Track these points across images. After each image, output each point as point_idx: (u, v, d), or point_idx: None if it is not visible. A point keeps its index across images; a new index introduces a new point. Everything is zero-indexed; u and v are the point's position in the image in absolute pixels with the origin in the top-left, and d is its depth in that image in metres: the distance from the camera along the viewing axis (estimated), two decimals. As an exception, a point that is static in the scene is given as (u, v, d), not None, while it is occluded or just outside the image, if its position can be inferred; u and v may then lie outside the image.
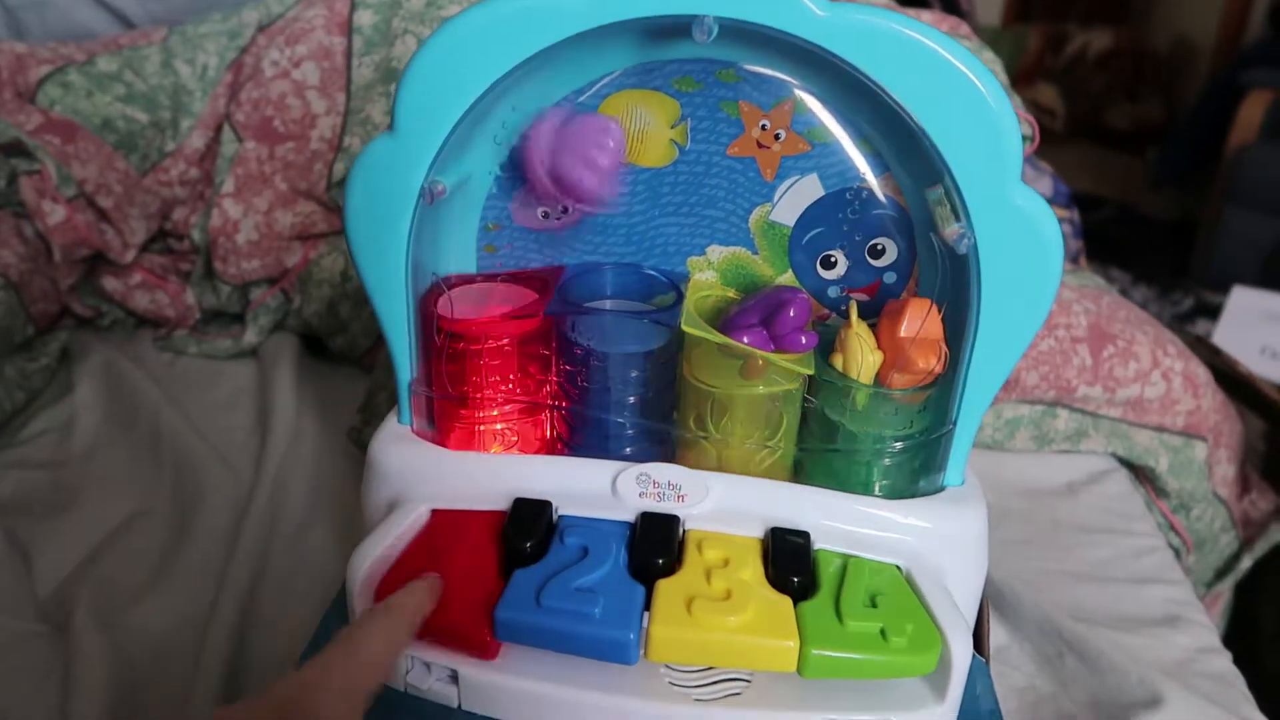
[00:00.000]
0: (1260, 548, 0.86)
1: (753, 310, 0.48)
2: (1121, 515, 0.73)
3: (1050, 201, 1.28)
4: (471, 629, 0.43)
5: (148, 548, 0.66)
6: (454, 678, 0.44)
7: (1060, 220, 1.29)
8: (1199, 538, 0.81)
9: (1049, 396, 0.77)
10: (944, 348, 0.47)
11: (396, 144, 0.48)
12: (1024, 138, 0.92)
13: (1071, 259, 1.27)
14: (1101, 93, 3.15)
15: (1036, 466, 0.77)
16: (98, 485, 0.72)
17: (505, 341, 0.52)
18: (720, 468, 0.51)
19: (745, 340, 0.47)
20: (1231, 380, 0.96)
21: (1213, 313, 1.17)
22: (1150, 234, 2.46)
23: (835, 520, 0.48)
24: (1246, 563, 0.86)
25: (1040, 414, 0.78)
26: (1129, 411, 0.78)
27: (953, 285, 0.47)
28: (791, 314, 0.47)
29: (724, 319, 0.49)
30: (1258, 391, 0.96)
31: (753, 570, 0.45)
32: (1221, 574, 0.87)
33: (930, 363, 0.46)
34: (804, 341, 0.47)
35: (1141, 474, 0.80)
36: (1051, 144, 2.94)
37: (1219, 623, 0.91)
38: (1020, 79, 3.15)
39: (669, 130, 0.50)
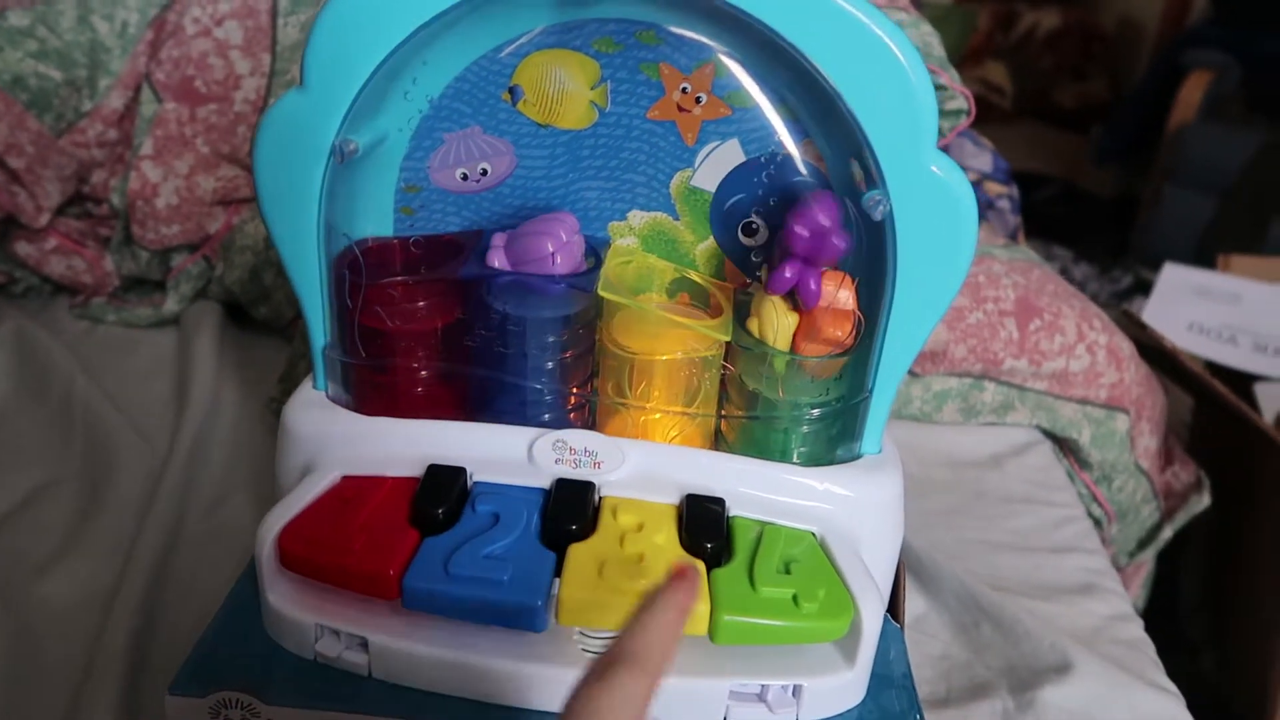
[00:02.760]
0: (1180, 519, 0.88)
1: (779, 241, 0.46)
2: (1044, 486, 0.74)
3: (989, 177, 1.29)
4: (374, 568, 0.42)
5: (55, 519, 0.64)
6: (364, 646, 0.44)
7: (999, 196, 1.31)
8: (1121, 509, 0.83)
9: (976, 369, 0.78)
10: (859, 316, 0.46)
11: (306, 100, 0.46)
12: (961, 112, 0.93)
13: (1010, 235, 1.29)
14: (1049, 71, 3.18)
15: (963, 439, 0.78)
16: (5, 455, 0.70)
17: (420, 306, 0.51)
18: (639, 435, 0.50)
19: (787, 275, 0.45)
20: (1157, 354, 0.98)
21: (1151, 290, 1.19)
22: (1093, 212, 2.49)
23: (752, 487, 0.48)
24: (1168, 533, 0.88)
25: (968, 387, 0.79)
26: (1054, 384, 0.79)
27: (869, 253, 0.47)
28: (799, 230, 0.44)
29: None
30: (1182, 366, 0.97)
31: (667, 536, 0.45)
32: (1144, 544, 0.88)
33: (840, 333, 0.46)
34: (838, 244, 0.44)
35: (1065, 446, 0.81)
36: (1000, 122, 2.97)
37: (1141, 593, 0.93)
38: (970, 57, 3.17)
39: (589, 92, 0.49)
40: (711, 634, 0.42)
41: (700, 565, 0.44)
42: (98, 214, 0.90)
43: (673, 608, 0.31)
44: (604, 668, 0.29)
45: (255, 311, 0.87)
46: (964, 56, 3.14)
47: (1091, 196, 2.60)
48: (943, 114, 0.91)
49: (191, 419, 0.72)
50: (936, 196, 0.44)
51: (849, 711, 0.44)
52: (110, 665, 0.52)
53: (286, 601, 0.45)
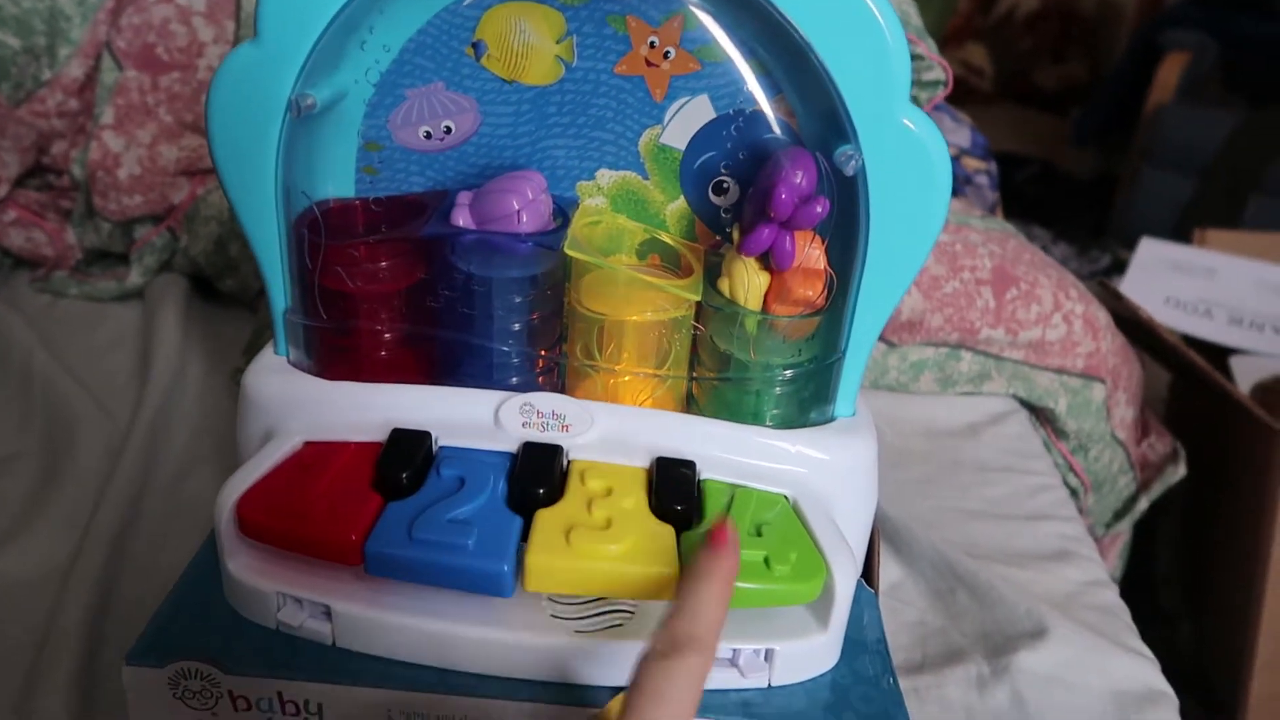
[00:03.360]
0: (1156, 490, 0.88)
1: (752, 200, 0.45)
2: (1020, 455, 0.74)
3: (967, 152, 1.28)
4: (337, 533, 0.41)
5: (12, 494, 0.63)
6: (327, 614, 0.43)
7: (977, 171, 1.30)
8: (1097, 479, 0.83)
9: (953, 339, 0.77)
10: (831, 274, 0.45)
11: (260, 52, 0.44)
12: (939, 83, 0.92)
13: (988, 211, 1.28)
14: (1029, 53, 3.19)
15: (939, 408, 0.78)
16: (-38, 430, 0.68)
17: (383, 267, 0.49)
18: (609, 398, 0.49)
19: (764, 236, 0.44)
20: (1134, 327, 0.98)
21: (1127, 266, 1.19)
22: (1071, 192, 2.50)
23: (724, 450, 0.47)
24: (1144, 504, 0.88)
25: (944, 356, 0.78)
26: (1030, 354, 0.78)
27: (842, 210, 0.46)
28: (783, 196, 0.43)
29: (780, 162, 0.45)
30: (1158, 338, 0.97)
31: (636, 500, 0.44)
32: (1120, 515, 0.88)
33: (811, 292, 0.45)
34: (819, 210, 0.43)
35: (1042, 415, 0.80)
36: (980, 103, 2.97)
37: (1118, 563, 0.93)
38: (950, 39, 3.17)
39: (554, 45, 0.48)
40: None
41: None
42: (59, 185, 0.88)
43: (719, 578, 0.32)
44: (667, 651, 0.30)
45: (221, 284, 0.85)
46: (944, 38, 3.13)
47: (1070, 177, 2.60)
48: (920, 85, 0.90)
49: (154, 392, 0.71)
50: (909, 151, 0.43)
51: (822, 676, 0.43)
52: (65, 641, 0.51)
53: (247, 570, 0.44)
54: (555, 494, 0.44)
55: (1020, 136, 2.83)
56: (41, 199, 0.88)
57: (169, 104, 0.84)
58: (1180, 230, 1.88)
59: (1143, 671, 0.54)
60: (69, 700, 0.48)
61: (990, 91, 3.15)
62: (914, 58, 0.89)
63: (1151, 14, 2.68)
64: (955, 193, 1.23)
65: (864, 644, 0.45)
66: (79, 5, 0.87)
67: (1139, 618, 0.62)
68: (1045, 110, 3.12)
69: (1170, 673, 0.56)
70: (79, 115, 0.87)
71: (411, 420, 0.48)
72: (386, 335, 0.50)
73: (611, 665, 0.42)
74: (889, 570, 0.60)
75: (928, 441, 0.74)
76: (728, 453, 0.47)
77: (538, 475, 0.45)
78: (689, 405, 0.51)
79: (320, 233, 0.48)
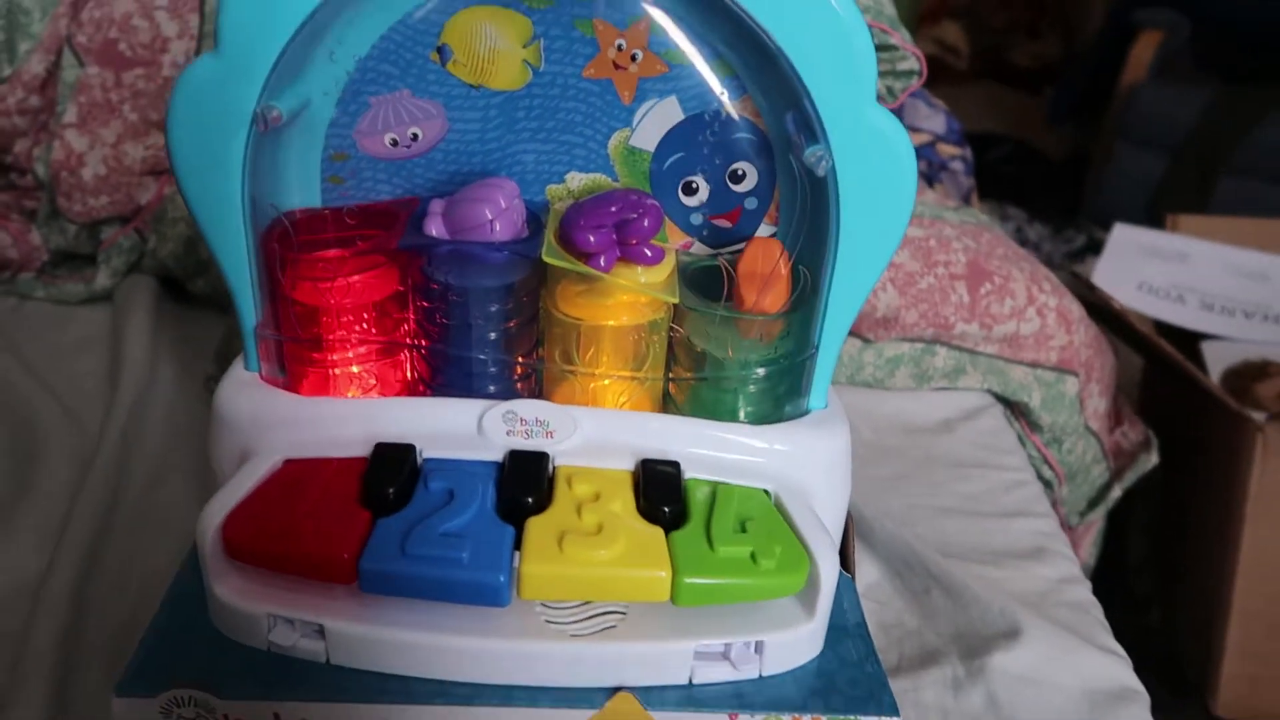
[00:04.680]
0: (1129, 478, 0.89)
1: (602, 210, 0.46)
2: (994, 450, 0.74)
3: (942, 139, 1.28)
4: (328, 552, 0.41)
5: (-21, 506, 0.62)
6: (320, 632, 0.42)
7: (952, 158, 1.30)
8: (1071, 470, 0.83)
9: (928, 334, 0.77)
10: (805, 272, 0.46)
11: (222, 64, 0.43)
12: (913, 73, 0.91)
13: (963, 197, 1.28)
14: (1003, 30, 3.19)
15: (915, 404, 0.78)
16: (-76, 439, 0.67)
17: (356, 279, 0.49)
18: (588, 401, 0.49)
19: (591, 239, 0.45)
20: (1107, 314, 0.98)
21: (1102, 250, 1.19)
22: (1046, 172, 2.51)
23: (704, 448, 0.47)
24: (1117, 492, 0.89)
25: (920, 352, 0.78)
26: (1005, 348, 0.79)
27: (812, 209, 0.46)
28: (646, 224, 0.45)
29: (566, 212, 0.47)
30: (1130, 326, 0.98)
31: (624, 503, 0.45)
32: (1094, 504, 0.89)
33: (760, 300, 0.46)
34: (649, 255, 0.45)
35: (1016, 409, 0.81)
36: (956, 83, 2.97)
37: (1092, 551, 0.94)
38: (926, 17, 3.16)
39: (521, 50, 0.47)
40: (674, 597, 0.42)
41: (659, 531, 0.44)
42: (22, 185, 0.87)
43: None
44: None
45: (191, 285, 0.84)
46: (920, 17, 3.13)
47: (1044, 156, 2.61)
48: (894, 75, 0.90)
49: (125, 398, 0.70)
50: (877, 148, 0.43)
51: (809, 663, 0.44)
52: (38, 661, 0.50)
53: (235, 593, 0.43)
54: (544, 501, 0.45)
55: (995, 115, 2.84)
56: (5, 199, 0.86)
57: (133, 101, 0.83)
58: (1154, 209, 1.89)
59: (1115, 670, 0.55)
60: (42, 720, 0.48)
61: (966, 70, 3.15)
62: (888, 48, 0.89)
63: (1126, -8, 2.68)
64: (930, 181, 1.23)
65: (845, 628, 0.46)
66: (38, -1, 0.85)
67: (1111, 604, 0.63)
68: (1021, 88, 3.12)
69: (1142, 658, 0.57)
70: (41, 113, 0.85)
71: (394, 434, 0.47)
72: (361, 348, 0.50)
73: (607, 667, 0.42)
74: (864, 570, 0.60)
75: (903, 437, 0.74)
76: (709, 450, 0.47)
77: (526, 484, 0.45)
78: (666, 405, 0.51)
79: (291, 245, 0.47)
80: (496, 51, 0.47)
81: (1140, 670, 0.56)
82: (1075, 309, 0.82)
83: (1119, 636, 0.59)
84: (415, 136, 0.50)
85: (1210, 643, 0.91)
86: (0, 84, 0.84)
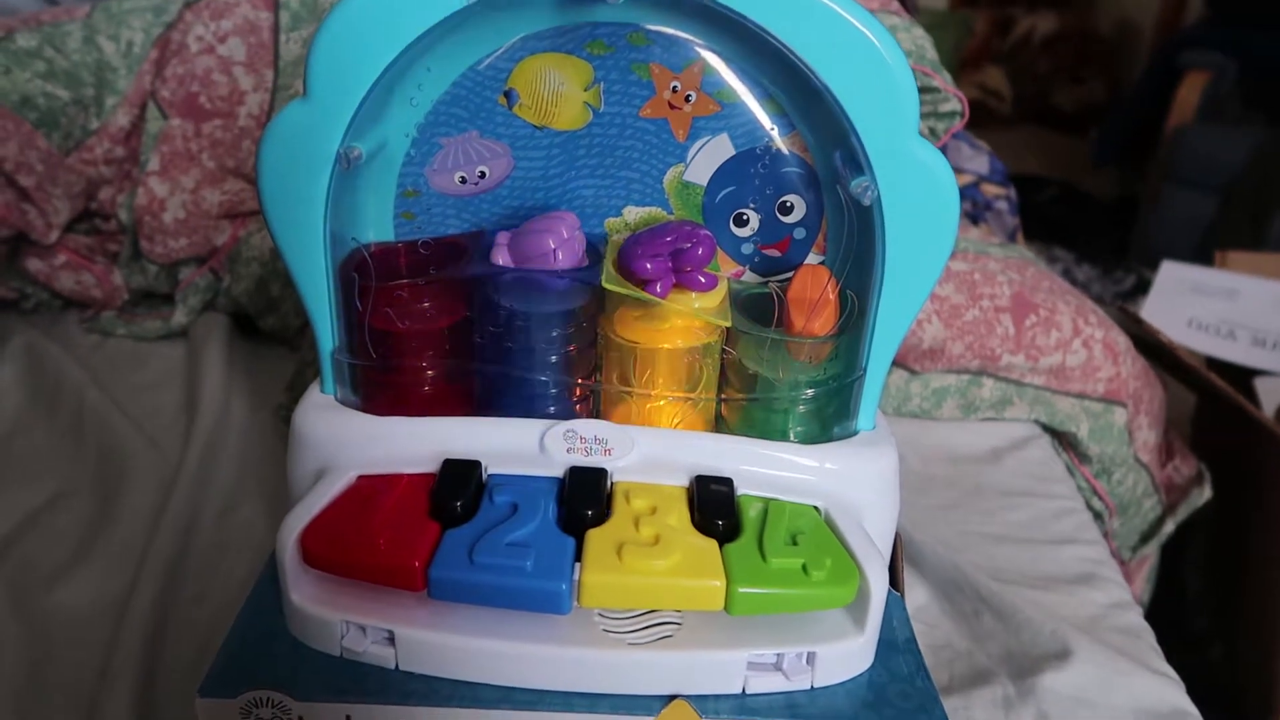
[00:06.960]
0: (1182, 512, 0.88)
1: (658, 240, 0.48)
2: (1043, 480, 0.75)
3: (986, 179, 1.30)
4: (400, 561, 0.43)
5: (69, 529, 0.65)
6: (390, 639, 0.45)
7: (996, 198, 1.32)
8: (1122, 502, 0.83)
9: (974, 366, 0.78)
10: (853, 297, 0.47)
11: (310, 109, 0.47)
12: (955, 114, 0.94)
13: (1008, 236, 1.29)
14: (1047, 75, 3.20)
15: (962, 434, 0.79)
16: (19, 467, 0.71)
17: (428, 306, 0.52)
18: (644, 421, 0.51)
19: (649, 267, 0.47)
20: (1157, 350, 0.98)
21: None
22: (1093, 214, 2.50)
23: (756, 466, 0.49)
24: (1170, 527, 0.88)
25: (966, 383, 0.79)
26: (1051, 379, 0.79)
27: (859, 238, 0.48)
28: (699, 252, 0.47)
29: (625, 242, 0.50)
30: (1180, 361, 0.98)
31: (679, 517, 0.46)
32: (1146, 538, 0.89)
33: (809, 324, 0.48)
34: (703, 281, 0.48)
35: (1064, 440, 0.81)
36: (999, 127, 2.98)
37: (1145, 586, 0.94)
38: (968, 62, 3.19)
39: (583, 93, 0.50)
40: (727, 606, 0.43)
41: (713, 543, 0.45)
42: (106, 229, 0.92)
43: None
44: None
45: (262, 322, 0.88)
46: (962, 62, 3.15)
47: (1091, 198, 2.60)
48: (937, 116, 0.92)
49: (201, 428, 0.74)
50: (921, 179, 0.45)
51: (859, 676, 0.45)
52: (124, 671, 0.53)
53: (311, 600, 0.46)
54: (603, 514, 0.47)
55: (1040, 158, 2.84)
56: (90, 243, 0.91)
57: (211, 150, 0.88)
58: (1204, 249, 1.88)
59: (1168, 691, 0.55)
60: (130, 726, 0.50)
61: (1009, 114, 3.16)
62: (930, 90, 0.91)
63: (1170, 34, 2.69)
64: (975, 220, 1.24)
65: (895, 644, 0.47)
66: (124, 57, 0.91)
67: (1169, 641, 0.62)
68: (1064, 131, 3.12)
69: (1202, 695, 0.57)
70: (125, 162, 0.91)
71: (461, 450, 0.50)
72: (431, 371, 0.53)
73: (663, 674, 0.44)
74: (914, 593, 0.61)
75: (951, 467, 0.75)
76: (760, 468, 0.49)
77: (586, 498, 0.47)
78: (718, 425, 0.53)
79: (370, 276, 0.50)
80: (560, 95, 0.50)
81: (1200, 706, 0.56)
82: (1122, 341, 0.83)
83: (1177, 671, 0.59)
84: (483, 174, 0.53)
85: (1271, 681, 0.89)
86: (89, 136, 0.90)
